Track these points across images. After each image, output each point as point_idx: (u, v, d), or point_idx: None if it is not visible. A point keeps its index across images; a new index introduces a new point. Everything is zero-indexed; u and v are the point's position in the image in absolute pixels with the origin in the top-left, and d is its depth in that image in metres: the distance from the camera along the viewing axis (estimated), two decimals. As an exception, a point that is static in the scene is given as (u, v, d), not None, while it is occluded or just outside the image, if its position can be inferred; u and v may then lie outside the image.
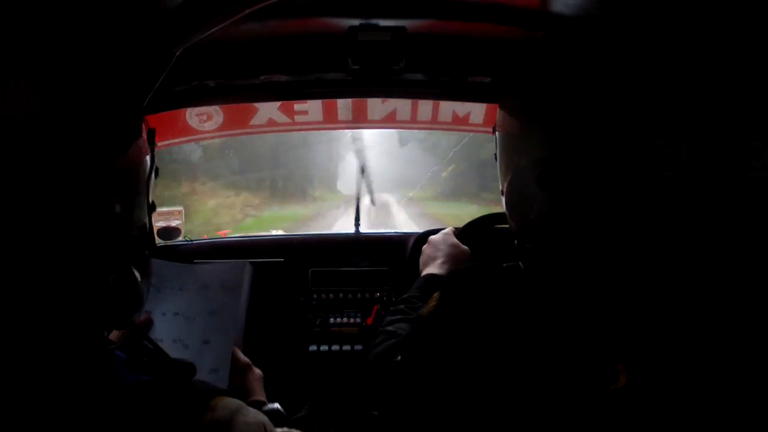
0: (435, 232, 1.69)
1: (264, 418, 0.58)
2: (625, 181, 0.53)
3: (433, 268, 1.08)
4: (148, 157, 0.61)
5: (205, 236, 1.90)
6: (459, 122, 1.82)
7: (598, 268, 0.58)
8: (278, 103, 1.70)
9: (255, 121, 1.75)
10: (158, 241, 1.67)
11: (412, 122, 1.85)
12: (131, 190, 0.57)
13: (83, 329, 0.55)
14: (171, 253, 1.67)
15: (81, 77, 0.52)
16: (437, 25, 1.15)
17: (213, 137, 1.81)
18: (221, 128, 1.73)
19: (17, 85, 0.47)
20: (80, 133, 0.51)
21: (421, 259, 1.16)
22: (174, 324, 0.96)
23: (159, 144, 1.51)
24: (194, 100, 1.45)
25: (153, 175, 0.62)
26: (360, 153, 1.88)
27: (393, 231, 1.88)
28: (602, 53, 0.56)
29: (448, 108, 1.78)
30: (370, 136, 2.06)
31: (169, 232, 1.68)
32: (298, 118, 1.76)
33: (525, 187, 0.62)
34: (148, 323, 0.97)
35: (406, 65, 1.21)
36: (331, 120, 1.80)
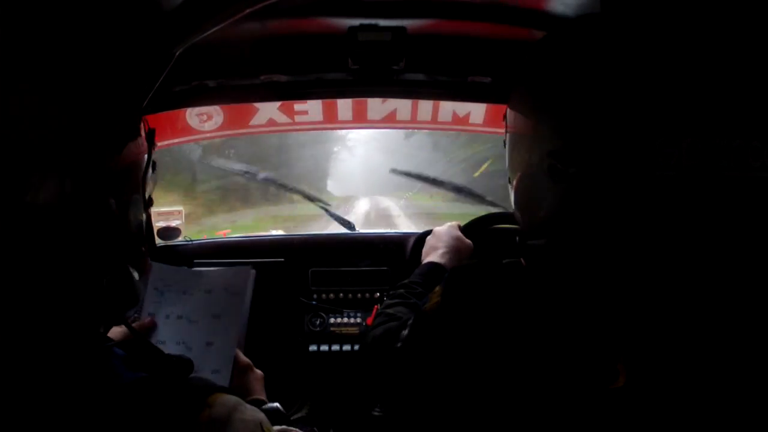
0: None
1: (261, 416, 0.58)
2: (628, 178, 0.53)
3: (434, 257, 1.10)
4: (145, 155, 0.61)
5: (205, 236, 1.90)
6: (459, 122, 1.82)
7: (602, 266, 0.58)
8: (278, 103, 1.70)
9: (255, 121, 1.74)
10: (158, 241, 1.67)
11: (412, 122, 1.85)
12: (126, 187, 0.57)
13: (79, 325, 0.55)
14: (171, 253, 1.67)
15: (79, 77, 0.52)
16: (437, 25, 1.15)
17: (213, 137, 1.81)
18: (221, 128, 1.73)
19: (16, 84, 0.47)
20: (77, 132, 0.51)
21: (424, 249, 1.18)
22: (178, 327, 0.97)
23: (159, 144, 1.52)
24: (194, 100, 1.45)
25: (150, 170, 0.62)
26: None
27: (393, 231, 1.88)
28: (604, 52, 0.56)
29: (448, 108, 1.78)
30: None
31: (169, 232, 1.68)
32: (298, 118, 1.76)
33: (535, 182, 0.63)
34: (152, 326, 0.97)
35: (406, 65, 1.21)
36: (331, 120, 1.80)
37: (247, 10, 0.78)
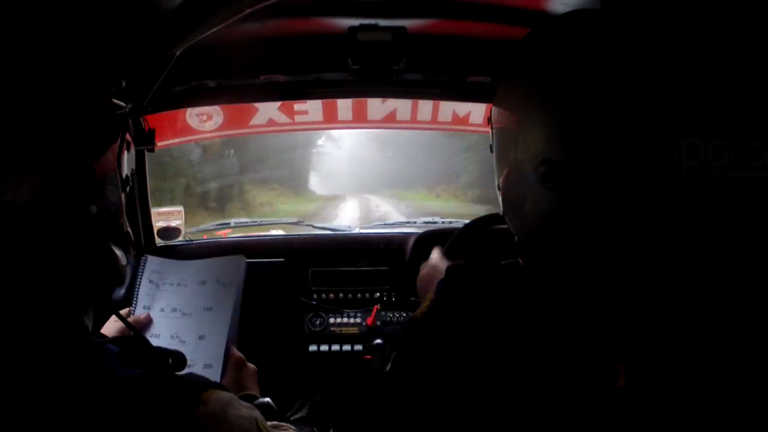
0: (436, 232, 1.70)
1: (256, 413, 0.59)
2: (628, 179, 0.53)
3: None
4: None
5: (205, 236, 1.89)
6: (459, 122, 1.82)
7: (603, 267, 0.58)
8: (278, 103, 1.70)
9: (255, 121, 1.75)
10: (158, 241, 1.67)
11: (412, 122, 1.85)
12: (102, 167, 0.57)
13: (65, 308, 0.55)
14: (171, 254, 1.67)
15: (77, 77, 0.53)
16: (437, 25, 1.15)
17: (213, 137, 1.81)
18: (221, 128, 1.73)
19: (11, 84, 0.47)
20: (59, 127, 0.51)
21: (420, 285, 1.06)
22: (172, 320, 0.98)
23: (159, 144, 1.52)
24: (194, 100, 1.46)
25: (124, 150, 0.62)
26: None
27: (393, 231, 1.88)
28: (603, 51, 0.56)
29: (448, 108, 1.78)
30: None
31: (169, 232, 1.68)
32: (298, 118, 1.76)
33: (524, 185, 0.61)
34: (148, 321, 0.98)
35: (406, 65, 1.21)
36: (331, 120, 1.80)
37: (247, 10, 0.78)
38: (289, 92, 1.43)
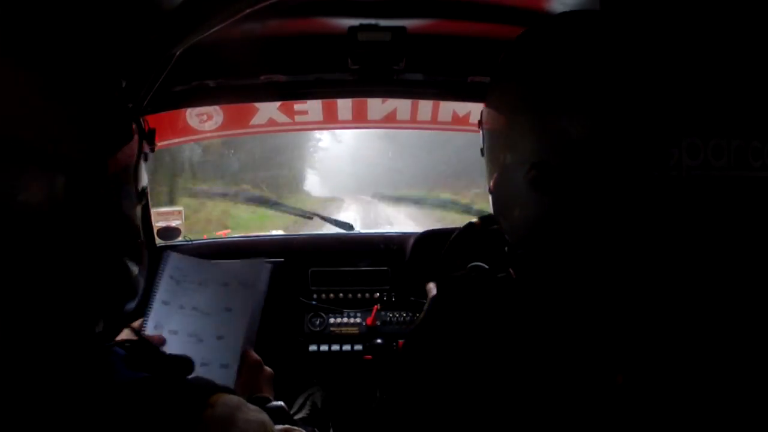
0: (436, 232, 1.70)
1: (265, 416, 0.58)
2: (627, 180, 0.53)
3: None
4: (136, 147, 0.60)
5: (205, 236, 1.89)
6: (459, 122, 1.82)
7: (600, 270, 0.57)
8: (278, 103, 1.70)
9: (255, 121, 1.75)
10: (158, 241, 1.67)
11: (412, 122, 1.85)
12: (118, 179, 0.56)
13: (76, 320, 0.55)
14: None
15: (77, 77, 0.52)
16: (437, 25, 1.15)
17: (213, 137, 1.81)
18: (221, 128, 1.73)
19: (14, 84, 0.47)
20: (73, 131, 0.51)
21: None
22: (191, 318, 0.98)
23: (159, 144, 1.52)
24: (194, 100, 1.45)
25: (141, 162, 0.61)
26: None
27: (393, 231, 1.88)
28: (601, 51, 0.55)
29: (448, 108, 1.78)
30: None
31: (169, 232, 1.68)
32: (298, 118, 1.77)
33: (515, 188, 0.60)
34: (162, 341, 0.97)
35: (406, 65, 1.21)
36: (331, 120, 1.80)
37: (247, 10, 0.78)
38: (289, 92, 1.43)
